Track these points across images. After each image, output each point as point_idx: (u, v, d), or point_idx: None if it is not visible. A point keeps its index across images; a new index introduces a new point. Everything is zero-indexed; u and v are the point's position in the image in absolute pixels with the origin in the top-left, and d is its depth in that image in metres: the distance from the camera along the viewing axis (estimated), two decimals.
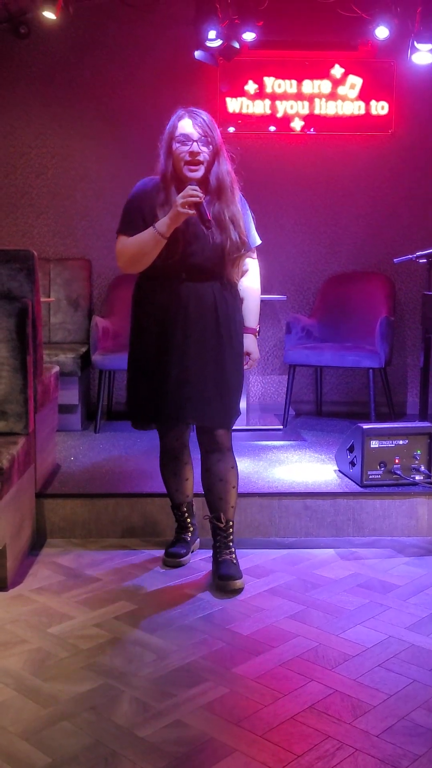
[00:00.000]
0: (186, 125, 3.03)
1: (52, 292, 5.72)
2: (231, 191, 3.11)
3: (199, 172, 3.03)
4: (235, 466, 3.24)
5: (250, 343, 3.26)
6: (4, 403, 3.41)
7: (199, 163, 3.02)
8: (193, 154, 3.01)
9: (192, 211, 2.92)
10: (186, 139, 3.01)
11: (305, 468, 4.27)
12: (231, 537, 3.28)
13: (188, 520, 3.52)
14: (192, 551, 3.52)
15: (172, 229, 2.98)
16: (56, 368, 4.31)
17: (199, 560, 3.50)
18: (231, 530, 3.27)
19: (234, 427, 4.71)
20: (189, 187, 2.94)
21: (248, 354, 3.25)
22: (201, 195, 2.92)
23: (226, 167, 3.10)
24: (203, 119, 3.04)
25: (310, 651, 2.70)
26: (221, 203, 3.08)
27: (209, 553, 3.55)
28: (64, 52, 5.72)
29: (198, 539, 3.60)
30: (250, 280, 3.29)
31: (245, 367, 3.26)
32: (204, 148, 3.02)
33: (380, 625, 2.90)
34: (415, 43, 5.13)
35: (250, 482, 3.92)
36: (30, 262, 3.66)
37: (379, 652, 2.70)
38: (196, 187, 2.93)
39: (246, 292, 3.27)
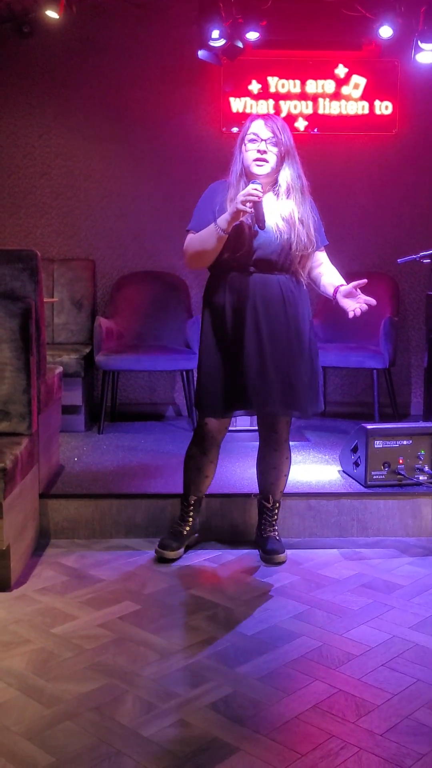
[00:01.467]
0: (258, 126, 3.20)
1: (55, 293, 5.72)
2: (302, 193, 3.26)
3: (265, 169, 3.18)
4: (289, 457, 3.50)
5: (348, 289, 3.22)
6: (7, 404, 3.41)
7: (265, 160, 3.17)
8: (260, 151, 3.17)
9: (250, 209, 3.02)
10: (256, 137, 3.18)
11: (309, 468, 4.27)
12: (276, 517, 3.56)
13: (191, 514, 3.53)
14: (185, 546, 3.54)
15: (232, 225, 3.10)
16: (60, 369, 4.31)
17: (204, 560, 3.50)
18: (277, 510, 3.56)
19: (238, 428, 4.73)
20: (251, 184, 3.07)
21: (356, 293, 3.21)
22: (261, 194, 3.04)
23: (297, 170, 3.26)
24: (275, 122, 3.23)
25: (314, 651, 2.69)
26: (290, 203, 3.23)
27: (214, 553, 3.57)
28: (67, 52, 5.72)
29: (196, 536, 3.62)
30: (327, 264, 3.42)
31: (359, 306, 3.19)
32: (272, 148, 3.18)
33: (384, 624, 2.90)
34: (420, 42, 5.13)
35: (254, 482, 3.91)
36: (33, 262, 3.66)
37: (383, 651, 2.69)
38: (258, 186, 3.05)
39: (325, 270, 3.38)
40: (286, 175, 3.23)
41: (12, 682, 2.47)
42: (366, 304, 3.18)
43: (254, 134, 3.18)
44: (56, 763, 2.07)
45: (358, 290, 3.20)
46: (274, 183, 3.25)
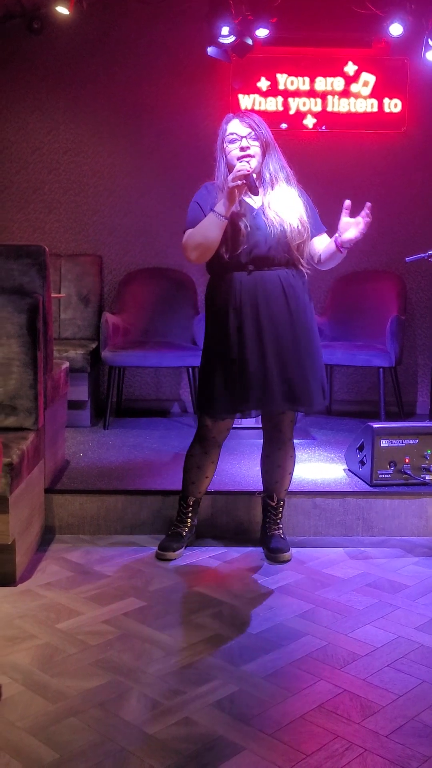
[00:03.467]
0: (234, 125, 3.21)
1: (63, 288, 5.71)
2: (287, 182, 3.28)
3: (252, 163, 3.16)
4: (293, 455, 3.50)
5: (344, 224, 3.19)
6: (14, 399, 3.41)
7: (251, 155, 3.17)
8: (243, 149, 3.17)
9: (242, 182, 3.03)
10: (235, 136, 3.19)
11: (315, 467, 4.26)
12: (281, 515, 3.56)
13: (190, 515, 3.54)
14: (185, 546, 3.54)
15: (230, 208, 3.11)
16: (66, 364, 4.31)
17: (208, 558, 3.50)
18: (281, 509, 3.56)
19: (243, 425, 4.72)
20: (239, 163, 3.10)
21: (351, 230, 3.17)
22: (250, 167, 3.07)
23: (279, 161, 3.28)
24: (251, 118, 3.23)
25: (320, 650, 2.69)
26: (276, 194, 3.24)
27: (219, 551, 3.56)
28: (77, 48, 5.71)
29: (194, 535, 3.61)
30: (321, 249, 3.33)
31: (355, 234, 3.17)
32: (254, 143, 3.19)
33: (389, 624, 2.89)
34: (429, 40, 5.12)
35: (259, 480, 3.90)
36: (41, 257, 3.66)
37: (388, 652, 2.69)
38: (245, 162, 3.09)
39: (321, 241, 3.32)
40: (269, 167, 3.23)
41: (17, 678, 2.47)
42: (366, 212, 3.15)
43: (233, 133, 3.19)
44: (60, 759, 2.07)
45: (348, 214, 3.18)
46: (259, 176, 3.24)
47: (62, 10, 5.16)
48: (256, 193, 3.12)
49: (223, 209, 3.09)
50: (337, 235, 3.21)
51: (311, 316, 3.33)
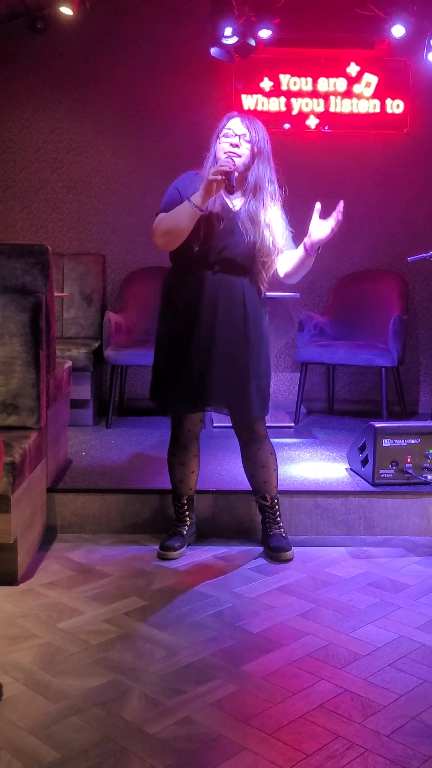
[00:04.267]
0: (234, 122, 3.22)
1: (65, 287, 5.72)
2: (271, 197, 3.25)
3: (235, 163, 3.14)
4: (273, 452, 3.48)
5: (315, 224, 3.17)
6: (16, 398, 3.41)
7: (237, 154, 3.16)
8: (233, 144, 3.17)
9: (221, 177, 3.02)
10: (230, 132, 3.20)
11: (316, 466, 4.26)
12: (278, 512, 3.54)
13: (186, 513, 3.55)
14: (187, 545, 3.55)
15: (206, 200, 3.08)
16: (69, 363, 4.32)
17: (209, 557, 3.50)
18: (277, 506, 3.53)
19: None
20: (224, 157, 3.11)
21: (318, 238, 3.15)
22: (233, 165, 3.07)
23: (269, 174, 3.25)
24: (251, 122, 3.23)
25: (321, 650, 2.69)
26: (257, 203, 3.21)
27: (221, 550, 3.57)
28: (80, 48, 5.71)
29: (195, 533, 3.62)
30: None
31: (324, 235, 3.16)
32: (245, 143, 3.18)
33: (391, 624, 2.89)
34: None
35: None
36: (44, 256, 3.67)
37: (389, 651, 2.69)
38: (230, 159, 3.09)
39: (289, 254, 3.27)
40: (256, 174, 3.21)
41: (18, 677, 2.47)
42: (339, 210, 3.12)
43: (229, 129, 3.20)
44: (61, 758, 2.08)
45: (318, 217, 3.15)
46: (244, 181, 3.23)
47: (65, 10, 5.17)
48: (230, 192, 3.11)
49: (198, 200, 3.07)
50: (306, 239, 3.17)
51: (266, 330, 3.35)
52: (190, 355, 3.24)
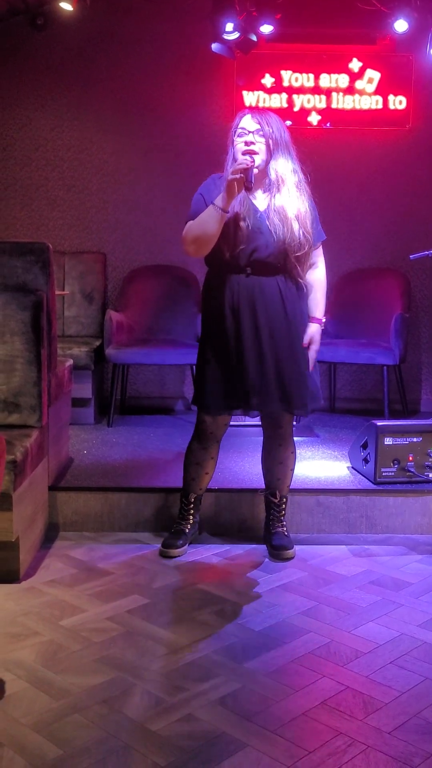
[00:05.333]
0: (245, 120, 3.22)
1: (66, 285, 5.72)
2: (297, 187, 3.25)
3: (254, 160, 3.14)
4: (294, 451, 3.50)
5: (314, 332, 3.33)
6: (17, 396, 3.41)
7: (254, 152, 3.16)
8: (247, 143, 3.17)
9: (240, 176, 3.02)
10: (243, 131, 3.20)
11: (318, 464, 4.26)
12: (283, 512, 3.56)
13: (191, 512, 3.55)
14: (189, 543, 3.54)
15: (230, 201, 3.09)
16: (70, 361, 4.32)
17: (211, 555, 3.50)
18: (284, 506, 3.56)
19: (245, 423, 4.72)
20: (241, 157, 3.12)
21: (310, 343, 3.31)
22: (251, 161, 3.08)
23: (290, 164, 3.25)
24: (262, 115, 3.23)
25: (322, 647, 2.69)
26: (282, 197, 3.21)
27: (223, 548, 3.57)
28: (80, 44, 5.71)
29: (197, 532, 3.62)
30: (318, 271, 3.39)
31: (310, 359, 3.32)
32: (259, 139, 3.18)
33: (392, 622, 2.89)
34: None
35: (262, 478, 3.91)
36: (45, 254, 3.66)
37: (391, 649, 2.69)
38: (248, 156, 3.10)
39: (312, 283, 3.37)
40: (276, 168, 3.21)
41: (21, 674, 2.48)
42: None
43: (242, 128, 3.20)
44: (64, 755, 2.08)
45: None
46: (265, 176, 3.23)
47: (66, 6, 5.17)
48: (248, 190, 3.09)
49: (221, 202, 3.08)
50: (318, 323, 3.34)
51: (307, 324, 3.35)
52: (237, 358, 3.24)
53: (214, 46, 5.24)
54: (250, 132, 3.18)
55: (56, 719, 2.24)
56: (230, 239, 3.18)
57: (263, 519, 3.66)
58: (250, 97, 5.72)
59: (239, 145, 3.18)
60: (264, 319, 3.22)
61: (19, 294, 3.47)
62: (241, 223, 3.18)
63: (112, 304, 5.85)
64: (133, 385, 5.88)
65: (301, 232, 3.19)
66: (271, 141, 3.19)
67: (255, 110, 3.25)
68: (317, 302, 3.36)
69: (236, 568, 3.38)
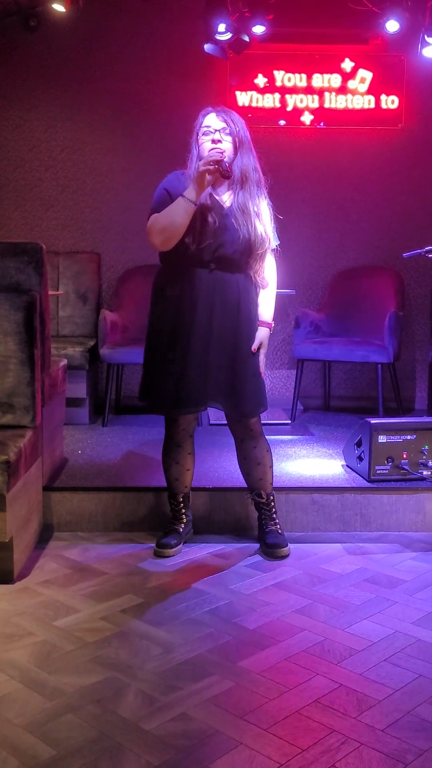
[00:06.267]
0: (210, 118, 3.23)
1: (60, 286, 5.72)
2: (257, 186, 3.27)
3: (224, 153, 3.16)
4: (269, 449, 3.48)
5: (263, 335, 3.35)
6: (11, 396, 3.41)
7: (221, 150, 3.17)
8: (215, 141, 3.18)
9: (213, 167, 3.06)
10: (209, 130, 3.21)
11: (313, 462, 4.27)
12: (274, 509, 3.54)
13: (182, 511, 3.56)
14: (184, 542, 3.55)
15: (200, 193, 3.12)
16: (64, 361, 4.32)
17: (206, 554, 3.51)
18: (272, 503, 3.54)
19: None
20: (210, 152, 3.12)
21: (260, 347, 3.33)
22: (222, 152, 3.10)
23: (252, 162, 3.26)
24: (227, 114, 3.25)
25: (316, 645, 2.69)
26: (245, 194, 3.23)
27: (217, 547, 3.57)
28: (73, 45, 5.71)
29: (191, 530, 3.62)
30: (268, 273, 3.38)
31: (260, 363, 3.35)
32: (226, 137, 3.20)
33: (386, 619, 2.90)
34: (426, 37, 5.11)
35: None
36: (38, 255, 3.66)
37: (385, 646, 2.69)
38: (218, 147, 3.12)
39: (263, 285, 3.38)
40: (240, 165, 3.23)
41: (14, 675, 2.48)
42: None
43: (207, 126, 3.21)
44: (57, 755, 2.08)
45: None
46: (230, 172, 3.22)
47: (58, 7, 5.17)
48: (227, 177, 3.13)
49: (193, 194, 3.11)
50: (268, 327, 3.36)
51: (256, 328, 3.36)
52: (187, 354, 3.23)
53: (207, 47, 5.25)
54: (216, 130, 3.19)
55: (50, 719, 2.24)
56: (196, 233, 3.18)
57: (256, 517, 3.66)
58: (243, 98, 5.73)
59: (206, 143, 3.19)
60: (219, 317, 3.23)
61: (12, 294, 3.47)
62: (209, 218, 3.18)
63: (107, 303, 5.85)
64: (127, 385, 5.87)
65: (262, 229, 3.22)
66: (237, 139, 3.21)
67: (219, 110, 3.26)
68: (267, 306, 3.38)
69: (230, 566, 3.38)
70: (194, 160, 3.23)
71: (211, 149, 3.16)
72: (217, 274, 3.23)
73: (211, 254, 3.21)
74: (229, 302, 3.25)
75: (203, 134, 3.22)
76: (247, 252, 3.23)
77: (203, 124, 3.23)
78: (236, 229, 3.19)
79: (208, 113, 3.24)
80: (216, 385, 3.27)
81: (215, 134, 3.19)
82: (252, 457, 3.45)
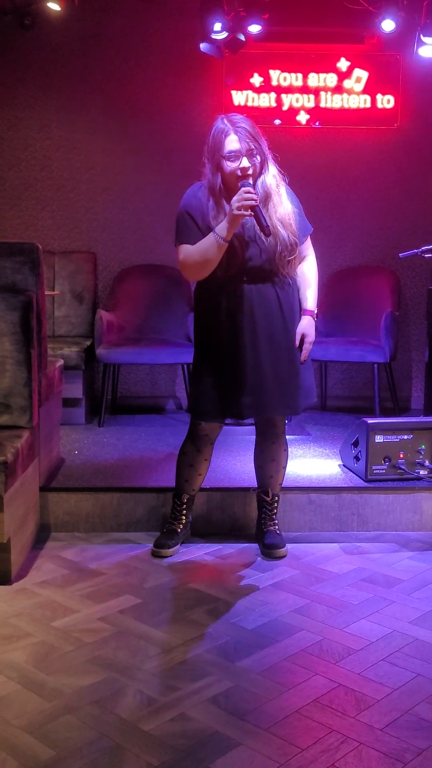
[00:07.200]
0: (232, 142, 3.09)
1: (56, 285, 5.71)
2: (278, 193, 3.20)
3: (257, 194, 3.07)
4: (287, 449, 3.51)
5: (306, 324, 3.31)
6: (8, 397, 3.41)
7: (251, 176, 3.10)
8: (243, 170, 3.09)
9: (248, 213, 2.99)
10: (235, 156, 3.09)
11: (310, 462, 4.27)
12: (275, 511, 3.56)
13: (184, 512, 3.55)
14: (181, 543, 3.54)
15: (232, 232, 3.06)
16: (60, 362, 4.31)
17: (203, 554, 3.51)
18: (276, 504, 3.56)
19: (240, 421, 4.73)
20: (242, 189, 3.00)
21: (303, 336, 3.30)
22: (256, 196, 3.00)
23: (272, 170, 3.21)
24: (247, 130, 3.11)
25: (315, 645, 2.70)
26: (269, 210, 3.15)
27: (215, 547, 3.57)
28: (68, 44, 5.70)
29: (189, 532, 3.62)
30: (308, 263, 3.38)
31: (303, 351, 3.31)
32: (253, 160, 3.12)
33: (384, 619, 2.90)
34: (422, 36, 5.11)
35: (254, 477, 3.91)
36: (34, 255, 3.66)
37: (383, 646, 2.70)
38: (250, 188, 3.00)
39: (303, 275, 3.36)
40: (265, 181, 3.16)
41: (12, 676, 2.47)
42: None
43: (230, 152, 3.08)
44: (57, 756, 2.08)
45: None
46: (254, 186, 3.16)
47: (53, 6, 5.16)
48: (267, 234, 3.05)
49: (224, 232, 3.04)
50: (311, 315, 3.33)
51: (299, 318, 3.34)
52: (234, 365, 3.22)
53: (203, 46, 5.24)
54: (243, 156, 3.08)
55: (48, 720, 2.24)
56: (224, 261, 3.14)
57: (255, 518, 3.66)
58: (238, 97, 5.73)
59: (233, 171, 3.08)
60: (262, 323, 3.21)
61: (9, 294, 3.46)
62: (236, 243, 3.14)
63: (103, 303, 5.84)
64: (124, 385, 5.87)
65: (288, 236, 3.16)
66: (262, 157, 3.14)
67: (236, 128, 3.10)
68: (309, 294, 3.35)
69: (228, 567, 3.38)
70: (217, 181, 3.11)
71: (240, 180, 3.05)
72: (250, 286, 3.20)
73: (241, 269, 3.18)
74: (269, 309, 3.22)
75: (229, 160, 3.09)
76: (278, 259, 3.18)
77: (226, 149, 3.08)
78: (263, 241, 3.14)
79: (227, 135, 3.09)
80: (269, 391, 3.24)
81: (243, 160, 3.07)
82: (269, 452, 3.47)
